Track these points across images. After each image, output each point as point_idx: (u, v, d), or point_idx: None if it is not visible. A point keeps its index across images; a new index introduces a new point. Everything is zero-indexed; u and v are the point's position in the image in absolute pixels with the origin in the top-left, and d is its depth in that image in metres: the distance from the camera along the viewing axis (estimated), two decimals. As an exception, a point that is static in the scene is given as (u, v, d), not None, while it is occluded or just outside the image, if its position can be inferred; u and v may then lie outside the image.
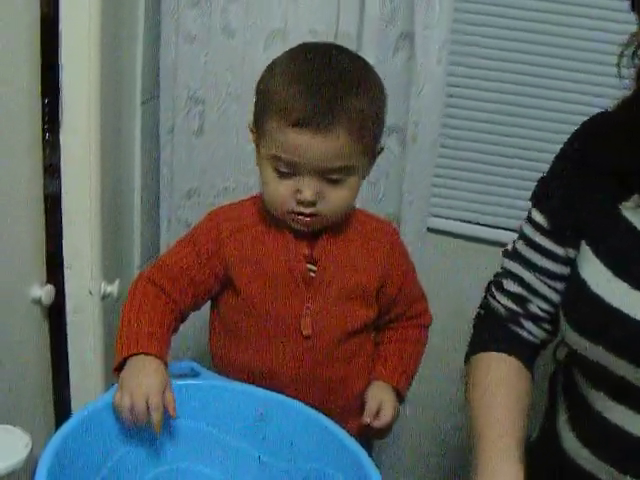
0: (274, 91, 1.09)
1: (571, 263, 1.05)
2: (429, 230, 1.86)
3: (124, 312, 1.11)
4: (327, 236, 1.18)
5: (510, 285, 1.13)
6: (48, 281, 1.43)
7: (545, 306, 1.10)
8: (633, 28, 0.94)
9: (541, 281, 1.09)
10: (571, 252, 1.05)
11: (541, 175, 1.14)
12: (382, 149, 1.20)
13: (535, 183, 1.83)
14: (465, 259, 1.93)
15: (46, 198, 1.40)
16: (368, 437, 1.25)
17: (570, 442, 1.06)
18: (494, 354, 1.11)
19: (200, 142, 1.81)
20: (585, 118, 1.71)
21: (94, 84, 1.31)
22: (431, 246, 1.87)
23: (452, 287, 1.96)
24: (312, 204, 1.10)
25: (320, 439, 1.06)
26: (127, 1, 1.65)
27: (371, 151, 1.15)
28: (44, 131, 1.36)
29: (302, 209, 1.11)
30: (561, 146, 1.12)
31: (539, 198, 1.11)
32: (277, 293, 1.17)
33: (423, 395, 2.01)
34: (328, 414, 1.07)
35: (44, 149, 1.37)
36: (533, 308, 1.11)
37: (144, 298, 1.12)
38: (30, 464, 0.91)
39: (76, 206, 1.36)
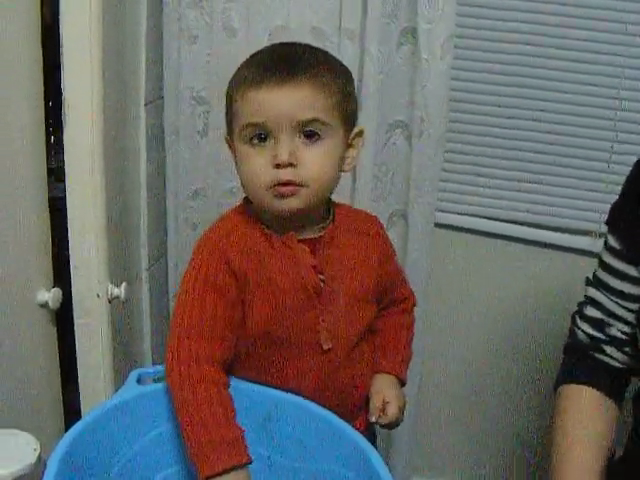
0: (236, 79, 1.11)
1: None
2: (436, 225, 1.85)
3: (192, 413, 1.04)
4: (325, 240, 1.16)
5: (590, 311, 1.15)
6: (55, 285, 1.42)
7: (625, 328, 1.12)
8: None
9: (617, 304, 1.11)
10: None
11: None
12: (362, 132, 1.16)
13: (541, 175, 1.82)
14: (473, 253, 1.93)
15: (51, 201, 1.40)
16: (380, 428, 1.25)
17: None
18: (575, 387, 1.15)
19: (205, 142, 1.81)
20: (592, 110, 1.72)
21: (96, 86, 1.30)
22: (439, 241, 1.87)
23: (460, 282, 1.95)
24: (290, 165, 1.06)
25: (330, 438, 1.05)
26: (129, 3, 1.65)
27: (346, 118, 1.12)
28: (48, 134, 1.35)
29: (281, 176, 1.07)
30: (563, 143, 1.12)
31: (612, 223, 1.13)
32: (291, 312, 1.13)
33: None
34: (341, 414, 1.06)
35: (48, 152, 1.37)
36: (613, 332, 1.13)
37: (207, 392, 1.05)
38: (39, 468, 0.91)
39: (81, 209, 1.35)
